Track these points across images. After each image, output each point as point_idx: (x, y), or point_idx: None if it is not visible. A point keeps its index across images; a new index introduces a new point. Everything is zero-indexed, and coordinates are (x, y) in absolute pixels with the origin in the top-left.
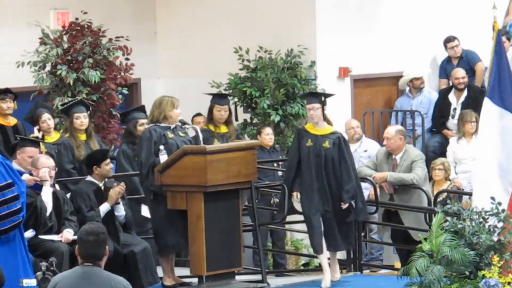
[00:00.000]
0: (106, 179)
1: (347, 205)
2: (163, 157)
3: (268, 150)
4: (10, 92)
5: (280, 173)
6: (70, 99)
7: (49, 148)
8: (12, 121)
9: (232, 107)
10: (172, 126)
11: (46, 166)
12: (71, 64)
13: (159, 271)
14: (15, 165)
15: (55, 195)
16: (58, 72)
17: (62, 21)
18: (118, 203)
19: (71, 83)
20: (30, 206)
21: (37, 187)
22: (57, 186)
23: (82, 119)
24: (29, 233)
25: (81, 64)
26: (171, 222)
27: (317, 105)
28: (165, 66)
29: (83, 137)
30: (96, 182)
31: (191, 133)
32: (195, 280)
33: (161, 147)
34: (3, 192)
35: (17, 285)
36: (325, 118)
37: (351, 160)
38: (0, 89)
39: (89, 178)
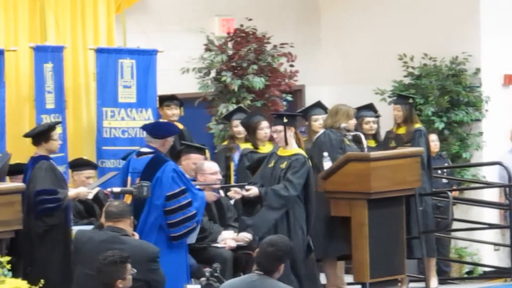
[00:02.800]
0: None
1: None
2: (327, 164)
3: (434, 157)
4: (175, 98)
5: (445, 180)
6: (234, 106)
7: None
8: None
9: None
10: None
11: (214, 171)
12: (236, 71)
13: (322, 278)
14: None
15: (219, 201)
16: (223, 78)
17: (227, 28)
18: None
19: (236, 90)
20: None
21: None
22: (221, 193)
23: (240, 127)
24: (192, 239)
25: (245, 70)
26: (334, 229)
27: (279, 128)
28: (329, 73)
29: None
30: None
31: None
32: (358, 287)
33: (325, 153)
34: (178, 199)
35: None
36: (298, 140)
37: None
38: (165, 95)
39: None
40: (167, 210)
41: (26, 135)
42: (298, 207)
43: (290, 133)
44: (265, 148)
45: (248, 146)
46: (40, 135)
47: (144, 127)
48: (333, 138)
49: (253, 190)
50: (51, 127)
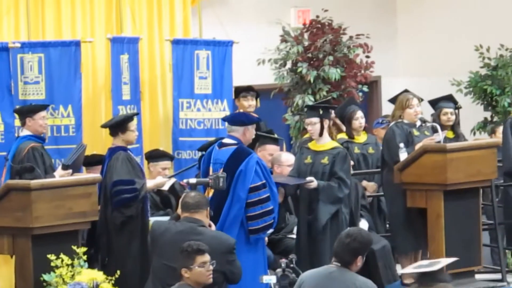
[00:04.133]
0: None
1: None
2: (403, 155)
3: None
4: (252, 90)
5: None
6: (310, 97)
7: (361, 148)
8: None
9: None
10: (418, 124)
11: (291, 163)
12: (312, 62)
13: (399, 269)
14: None
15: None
16: (299, 69)
17: (303, 19)
18: None
19: (312, 81)
20: None
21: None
22: None
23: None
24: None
25: (321, 62)
26: (410, 220)
27: (314, 120)
28: (405, 64)
29: None
30: None
31: (430, 131)
32: None
33: (401, 144)
34: (259, 192)
35: (258, 283)
36: (330, 133)
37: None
38: (242, 87)
39: None
40: (248, 203)
41: (103, 126)
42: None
43: (325, 125)
44: (360, 138)
45: (344, 136)
46: (117, 126)
47: (224, 118)
48: (396, 132)
49: (314, 183)
50: (129, 118)
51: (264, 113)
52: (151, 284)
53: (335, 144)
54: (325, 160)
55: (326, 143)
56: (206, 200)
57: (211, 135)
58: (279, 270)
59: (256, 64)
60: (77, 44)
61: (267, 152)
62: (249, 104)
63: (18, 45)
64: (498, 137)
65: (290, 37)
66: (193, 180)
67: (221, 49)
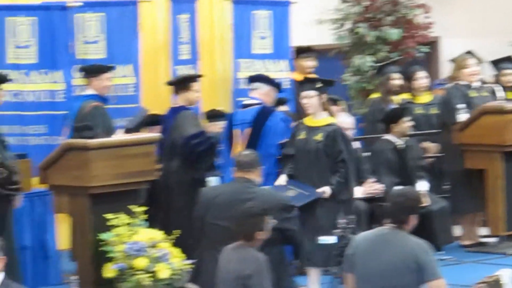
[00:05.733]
0: None
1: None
2: (463, 116)
3: None
4: (312, 50)
5: None
6: (369, 58)
7: (424, 109)
8: None
9: None
10: (475, 85)
11: (349, 125)
12: (371, 22)
13: (456, 231)
14: None
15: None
16: (358, 30)
17: None
18: None
19: (371, 41)
20: None
21: None
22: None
23: (397, 81)
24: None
25: (380, 22)
26: (469, 181)
27: (312, 93)
28: (465, 25)
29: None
30: (394, 140)
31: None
32: (494, 240)
33: (460, 105)
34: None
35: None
36: (326, 108)
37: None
38: (302, 47)
39: (387, 136)
40: (278, 159)
41: (169, 83)
42: None
43: (320, 100)
44: (423, 98)
45: (407, 96)
46: (181, 83)
47: (250, 78)
48: (454, 93)
49: (327, 192)
50: (193, 77)
51: (322, 73)
52: (206, 246)
53: (330, 120)
54: (319, 137)
55: (321, 119)
56: (258, 158)
57: None
58: (338, 230)
59: (315, 24)
60: (135, 3)
61: None
62: (309, 64)
63: (78, 4)
64: None
65: None
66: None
67: (280, 9)
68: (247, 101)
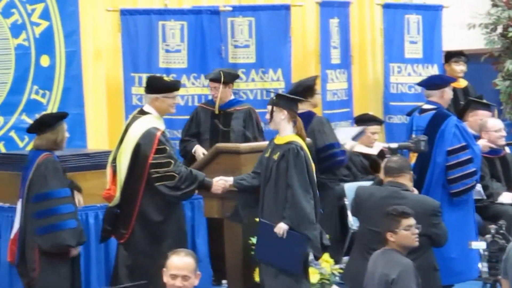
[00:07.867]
0: None
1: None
2: None
3: None
4: (463, 54)
5: None
6: None
7: None
8: (462, 83)
9: None
10: None
11: (498, 128)
12: None
13: None
14: None
15: (504, 158)
16: (509, 34)
17: None
18: None
19: None
20: None
21: (492, 153)
22: (507, 149)
23: None
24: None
25: None
26: None
27: (269, 107)
28: None
29: None
30: None
31: None
32: None
33: None
34: (458, 154)
35: (465, 246)
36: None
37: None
38: (453, 51)
39: None
40: (447, 166)
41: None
42: None
43: (282, 116)
44: None
45: None
46: (306, 91)
47: (420, 83)
48: None
49: (282, 228)
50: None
51: (473, 78)
52: (356, 250)
53: (293, 138)
54: (276, 156)
55: (285, 136)
56: (408, 164)
57: (421, 100)
58: (488, 236)
59: (465, 28)
60: (287, 7)
61: (478, 117)
62: (461, 69)
63: (229, 8)
64: None
65: (501, 2)
66: (394, 145)
67: (431, 13)
68: (425, 106)
